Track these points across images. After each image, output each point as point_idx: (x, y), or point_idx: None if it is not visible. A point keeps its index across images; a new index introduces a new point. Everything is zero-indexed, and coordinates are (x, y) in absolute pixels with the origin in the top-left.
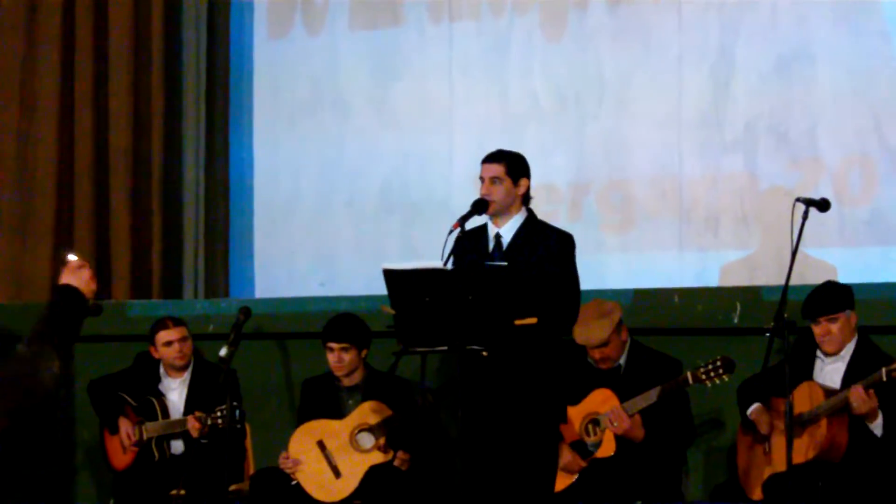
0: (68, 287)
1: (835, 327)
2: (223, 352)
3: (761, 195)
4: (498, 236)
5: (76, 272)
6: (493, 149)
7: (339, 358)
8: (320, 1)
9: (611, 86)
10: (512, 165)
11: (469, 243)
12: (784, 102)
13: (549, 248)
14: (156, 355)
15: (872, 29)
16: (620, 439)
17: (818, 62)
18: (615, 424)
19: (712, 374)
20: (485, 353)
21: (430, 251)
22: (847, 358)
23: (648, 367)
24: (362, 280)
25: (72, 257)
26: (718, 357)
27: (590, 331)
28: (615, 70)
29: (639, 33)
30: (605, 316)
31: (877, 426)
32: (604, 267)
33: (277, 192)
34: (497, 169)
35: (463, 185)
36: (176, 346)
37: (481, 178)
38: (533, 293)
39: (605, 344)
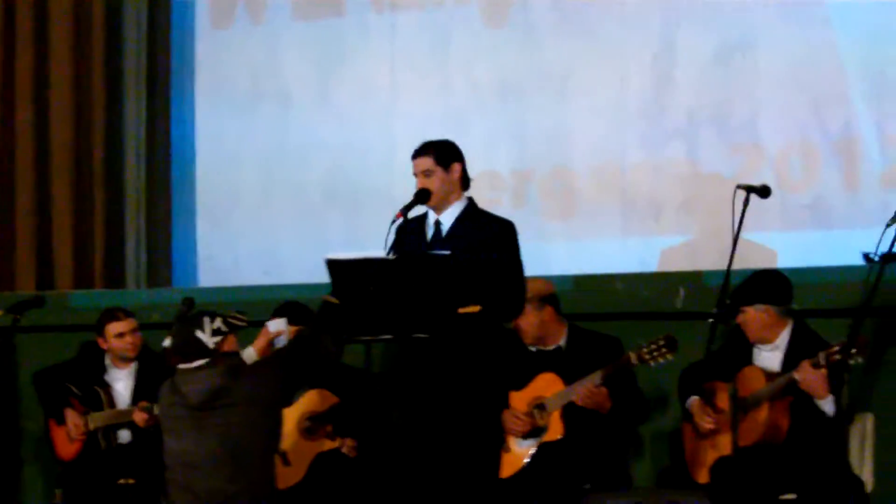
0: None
1: (743, 318)
2: (167, 342)
3: (703, 182)
4: (438, 224)
5: None
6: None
7: None
8: None
9: (553, 75)
10: (440, 154)
11: (410, 232)
12: (726, 91)
13: (491, 237)
14: (104, 346)
15: (813, 16)
16: (568, 423)
17: (759, 51)
18: (589, 400)
19: (655, 353)
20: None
21: (374, 240)
22: (783, 346)
23: (589, 348)
24: (306, 269)
25: None
26: (661, 336)
27: None
28: (557, 59)
29: (581, 22)
30: None
31: (827, 403)
32: (547, 254)
33: (220, 183)
34: (426, 162)
35: (405, 174)
36: (128, 337)
37: (415, 175)
38: (477, 281)
39: None
